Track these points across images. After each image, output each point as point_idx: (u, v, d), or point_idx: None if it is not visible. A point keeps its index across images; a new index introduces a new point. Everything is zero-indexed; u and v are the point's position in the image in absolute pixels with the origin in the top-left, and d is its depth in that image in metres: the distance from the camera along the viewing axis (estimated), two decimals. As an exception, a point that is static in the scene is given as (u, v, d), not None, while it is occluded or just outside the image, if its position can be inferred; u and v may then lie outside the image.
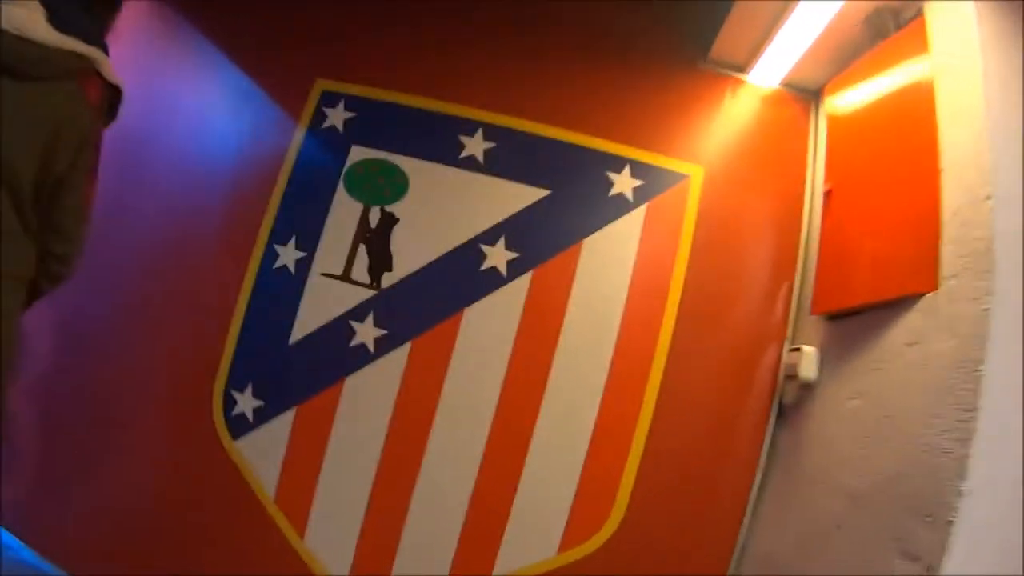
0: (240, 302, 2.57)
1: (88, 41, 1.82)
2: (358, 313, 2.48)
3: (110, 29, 2.01)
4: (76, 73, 1.80)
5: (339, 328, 2.48)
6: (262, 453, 2.46)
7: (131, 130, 2.87)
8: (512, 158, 2.53)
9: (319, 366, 2.48)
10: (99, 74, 1.86)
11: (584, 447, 2.36)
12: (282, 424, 2.46)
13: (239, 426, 2.48)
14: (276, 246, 2.58)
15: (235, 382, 2.52)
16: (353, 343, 2.47)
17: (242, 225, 2.63)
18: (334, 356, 2.47)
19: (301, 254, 2.56)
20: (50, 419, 2.72)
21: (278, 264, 2.57)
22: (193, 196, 2.75)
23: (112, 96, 1.94)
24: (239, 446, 2.48)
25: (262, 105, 2.76)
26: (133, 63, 3.05)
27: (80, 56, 1.79)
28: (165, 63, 2.97)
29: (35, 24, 1.73)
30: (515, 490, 2.35)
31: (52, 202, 1.82)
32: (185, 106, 2.88)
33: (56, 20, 1.76)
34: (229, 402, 2.51)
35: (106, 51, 1.89)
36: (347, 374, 2.46)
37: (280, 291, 2.55)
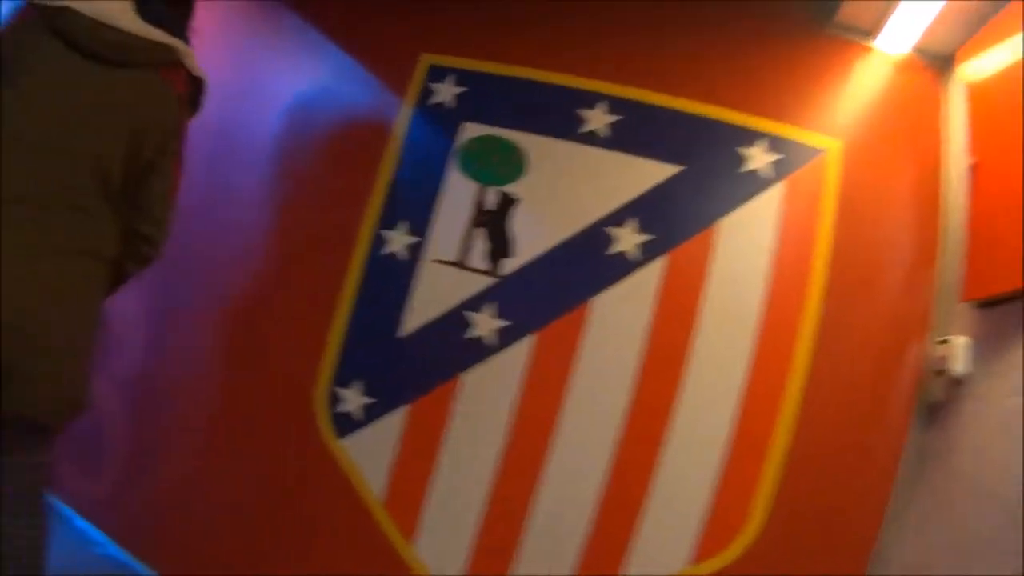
0: (346, 292, 2.37)
1: (172, 33, 1.87)
2: (475, 303, 2.25)
3: (191, 24, 2.04)
4: (162, 63, 1.85)
5: (454, 319, 2.25)
6: (369, 453, 2.24)
7: (228, 117, 2.77)
8: (639, 132, 2.27)
9: (432, 361, 2.25)
10: (183, 66, 1.91)
11: (721, 447, 2.08)
12: (391, 423, 2.24)
13: (344, 424, 2.27)
14: (384, 231, 2.38)
15: (341, 378, 2.31)
16: (469, 335, 2.23)
17: (347, 210, 2.44)
18: (449, 350, 2.24)
19: (412, 239, 2.35)
20: (144, 412, 2.59)
21: (387, 251, 2.36)
22: (294, 182, 2.59)
23: (195, 88, 1.99)
24: (344, 445, 2.27)
25: (363, 84, 2.60)
26: (227, 49, 2.96)
27: (165, 47, 1.84)
28: (261, 47, 2.87)
29: (122, 13, 1.79)
30: (646, 495, 2.09)
31: (140, 186, 1.86)
32: (283, 89, 2.75)
33: (142, 12, 1.82)
34: (334, 399, 2.30)
35: (189, 43, 1.95)
36: (463, 369, 2.22)
37: (389, 280, 2.34)
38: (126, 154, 1.79)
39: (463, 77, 2.43)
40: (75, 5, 1.73)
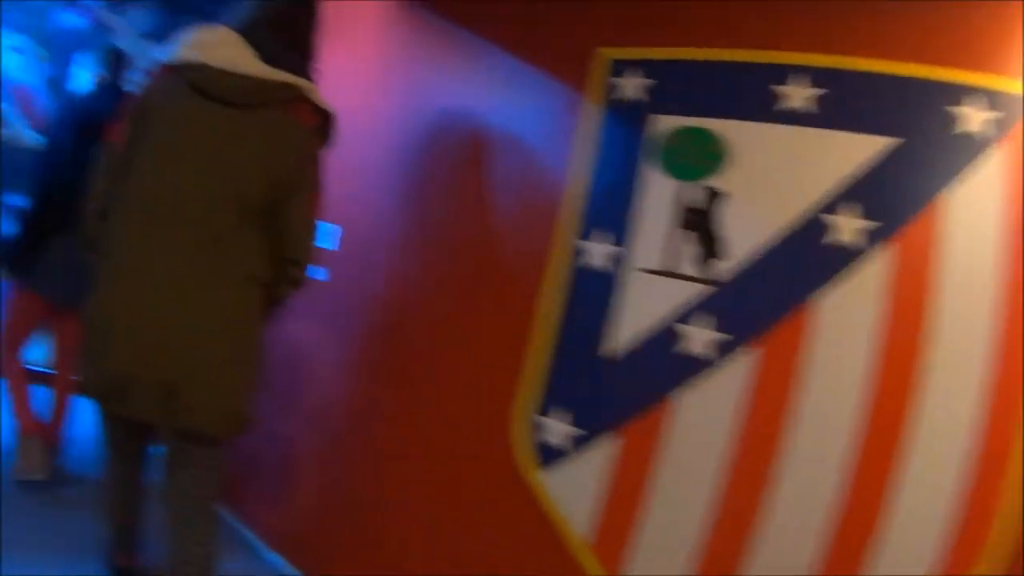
0: (544, 310, 2.23)
1: (295, 72, 2.08)
2: (687, 314, 2.01)
3: (313, 62, 2.25)
4: (288, 100, 2.05)
5: (664, 334, 2.03)
6: (571, 486, 2.09)
7: (407, 139, 2.69)
8: (845, 104, 1.92)
9: (641, 382, 2.05)
10: (309, 100, 2.10)
11: (964, 464, 1.70)
12: (596, 452, 2.07)
13: (545, 455, 2.15)
14: (582, 242, 2.21)
15: (541, 403, 2.18)
16: (681, 351, 2.01)
17: (539, 223, 2.30)
18: (659, 368, 2.02)
19: (612, 249, 2.16)
20: (332, 444, 2.66)
21: (586, 263, 2.20)
22: (480, 199, 2.50)
23: (324, 120, 2.16)
24: (544, 478, 2.13)
25: (541, 90, 2.45)
26: (388, 67, 2.92)
27: (289, 86, 2.05)
28: (424, 62, 2.84)
29: (246, 61, 2.02)
30: (883, 516, 1.75)
31: (282, 215, 2.05)
32: (458, 106, 2.69)
33: (264, 56, 2.04)
34: (533, 427, 2.17)
35: (313, 80, 2.15)
36: (675, 389, 1.99)
37: (590, 295, 2.17)
38: (266, 187, 2.00)
39: (647, 68, 2.20)
40: (204, 59, 2.00)
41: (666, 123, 2.14)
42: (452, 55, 2.76)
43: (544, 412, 2.17)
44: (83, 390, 2.04)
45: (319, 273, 2.93)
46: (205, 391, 1.94)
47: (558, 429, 2.13)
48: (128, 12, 4.78)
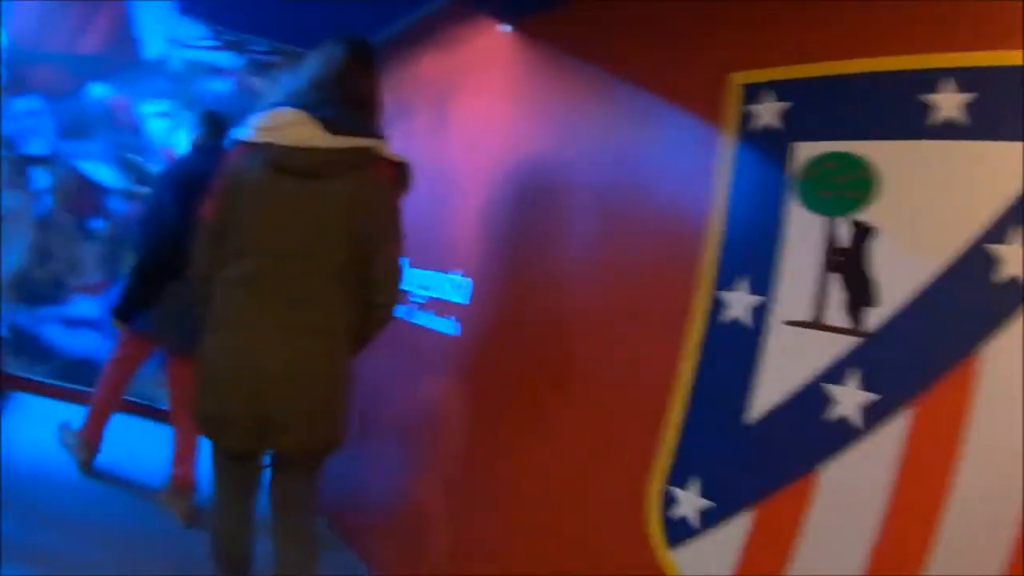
0: (681, 372, 2.04)
1: (364, 132, 2.32)
2: (836, 372, 1.73)
3: (380, 119, 2.46)
4: (362, 162, 2.30)
5: (811, 396, 1.77)
6: (705, 566, 1.89)
7: (529, 182, 2.70)
8: (1003, 109, 1.55)
9: (784, 450, 1.80)
10: (383, 156, 2.33)
11: None
12: (734, 529, 1.84)
13: (678, 531, 1.95)
14: (722, 293, 2.00)
15: (676, 474, 1.99)
16: (830, 415, 1.73)
17: (676, 272, 2.12)
18: (805, 435, 1.77)
19: (756, 299, 1.93)
20: (463, 505, 2.67)
21: (727, 317, 1.98)
22: (612, 248, 2.39)
23: (400, 170, 2.39)
24: (676, 557, 1.94)
25: (671, 123, 2.29)
26: (513, 111, 2.91)
27: (360, 149, 2.29)
28: (549, 102, 2.81)
29: (314, 135, 2.25)
30: None
31: (368, 265, 2.34)
32: (582, 146, 2.61)
33: (332, 127, 2.26)
34: (667, 500, 1.99)
35: (382, 136, 2.37)
36: (822, 460, 1.72)
37: (732, 352, 1.94)
38: (353, 246, 2.30)
39: (783, 90, 1.94)
40: (278, 140, 2.24)
41: (806, 150, 1.87)
42: (578, 92, 2.67)
43: (676, 483, 1.99)
44: (198, 426, 2.44)
45: (450, 327, 2.99)
46: (301, 425, 2.31)
47: (690, 502, 1.94)
48: (272, 75, 5.20)
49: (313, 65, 2.43)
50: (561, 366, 2.46)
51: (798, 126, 1.92)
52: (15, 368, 5.10)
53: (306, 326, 2.31)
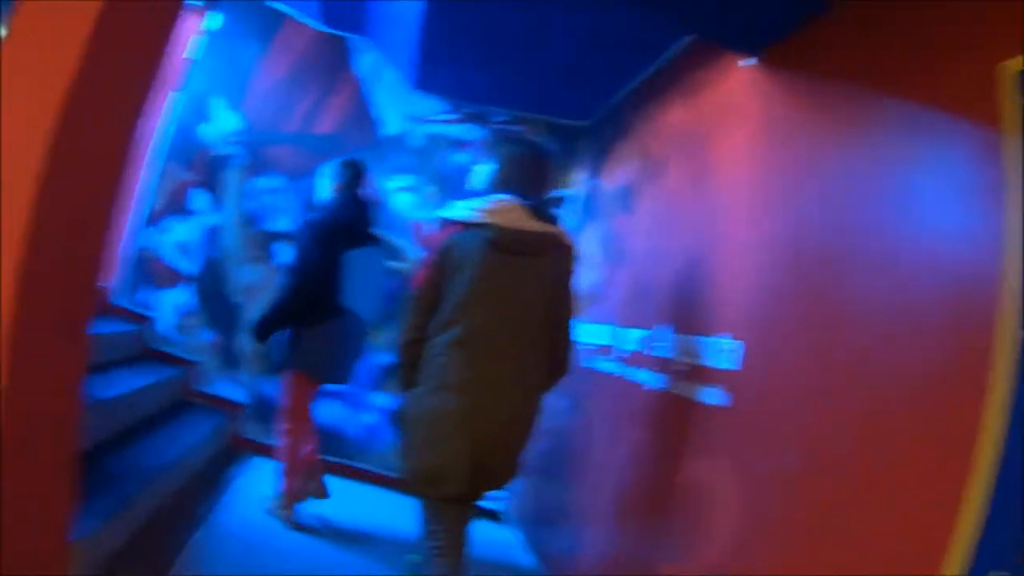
0: (985, 435, 1.58)
1: (553, 223, 2.83)
2: None
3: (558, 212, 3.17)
4: (554, 244, 2.79)
5: None
6: None
7: (796, 231, 2.53)
8: None
9: None
10: (565, 241, 2.83)
11: None
12: None
13: None
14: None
15: (977, 564, 1.52)
16: None
17: (969, 314, 1.70)
18: None
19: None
20: None
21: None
22: (888, 296, 2.01)
23: (575, 253, 2.89)
24: None
25: (940, 134, 1.94)
26: (771, 148, 2.74)
27: (552, 235, 2.79)
28: (803, 137, 2.61)
29: (524, 219, 2.74)
30: None
31: (557, 327, 2.81)
32: (846, 180, 2.31)
33: (535, 215, 2.78)
34: None
35: (558, 223, 2.87)
36: None
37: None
38: (549, 313, 2.76)
39: None
40: (494, 221, 2.69)
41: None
42: (838, 120, 2.42)
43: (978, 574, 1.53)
44: (413, 480, 2.69)
45: (720, 398, 2.63)
46: (505, 472, 2.71)
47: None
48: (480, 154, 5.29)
49: (510, 159, 2.90)
50: (846, 442, 2.03)
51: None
52: (254, 434, 5.39)
53: (520, 383, 2.69)
